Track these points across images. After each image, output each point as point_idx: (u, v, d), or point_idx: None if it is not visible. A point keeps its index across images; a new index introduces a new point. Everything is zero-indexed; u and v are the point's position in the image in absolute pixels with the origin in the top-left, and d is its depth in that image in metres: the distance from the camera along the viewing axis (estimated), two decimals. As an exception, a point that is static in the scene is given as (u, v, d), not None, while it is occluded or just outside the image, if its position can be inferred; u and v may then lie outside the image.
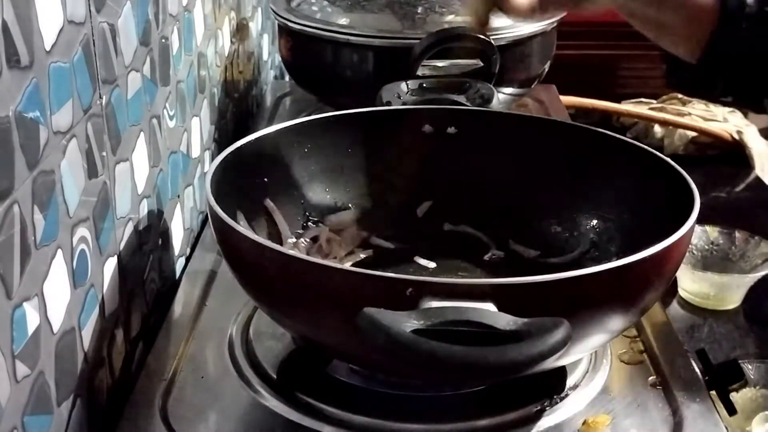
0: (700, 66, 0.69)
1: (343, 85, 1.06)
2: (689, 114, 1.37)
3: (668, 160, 0.71)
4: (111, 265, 0.65)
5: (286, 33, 1.11)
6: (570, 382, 0.66)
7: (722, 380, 0.71)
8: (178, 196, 0.84)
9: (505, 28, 1.04)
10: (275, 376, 0.66)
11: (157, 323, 0.75)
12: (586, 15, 0.66)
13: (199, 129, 0.93)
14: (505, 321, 0.50)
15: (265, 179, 0.77)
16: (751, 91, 0.72)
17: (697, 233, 1.00)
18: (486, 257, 0.79)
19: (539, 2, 0.63)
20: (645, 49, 1.66)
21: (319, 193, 0.81)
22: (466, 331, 0.50)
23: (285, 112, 1.23)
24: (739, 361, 0.75)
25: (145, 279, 0.74)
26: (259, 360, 0.68)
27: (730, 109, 1.40)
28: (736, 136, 1.33)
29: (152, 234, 0.76)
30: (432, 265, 0.78)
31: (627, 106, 1.42)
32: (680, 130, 1.36)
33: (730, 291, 0.96)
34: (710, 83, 0.72)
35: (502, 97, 1.02)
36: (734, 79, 0.71)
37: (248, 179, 0.75)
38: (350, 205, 0.82)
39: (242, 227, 0.60)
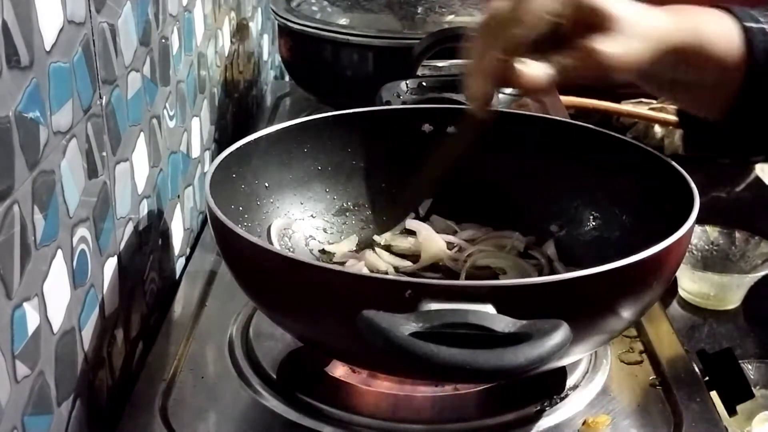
0: (725, 125, 0.65)
1: (343, 85, 1.06)
2: (689, 114, 1.37)
3: (668, 160, 0.70)
4: (111, 265, 0.65)
5: (286, 33, 1.11)
6: (570, 382, 0.66)
7: (718, 370, 0.71)
8: (178, 196, 0.84)
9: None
10: (275, 376, 0.66)
11: (157, 323, 0.75)
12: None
13: (199, 129, 0.93)
14: (504, 323, 0.50)
15: (265, 179, 0.77)
16: None
17: (697, 233, 1.00)
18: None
19: (559, 79, 0.59)
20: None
21: (319, 193, 0.81)
22: (465, 333, 0.50)
23: (285, 112, 1.23)
24: (740, 361, 0.75)
25: (145, 279, 0.74)
26: (259, 360, 0.68)
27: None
28: (737, 136, 1.33)
29: (152, 234, 0.76)
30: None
31: (627, 106, 1.41)
32: (680, 130, 1.36)
33: (730, 291, 0.96)
34: (738, 142, 0.68)
35: (502, 96, 1.02)
36: (764, 136, 0.66)
37: (248, 179, 0.75)
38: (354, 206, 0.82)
39: (241, 228, 0.60)
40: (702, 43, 0.61)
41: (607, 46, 0.58)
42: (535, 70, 0.58)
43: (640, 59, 0.59)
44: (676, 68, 0.62)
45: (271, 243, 0.74)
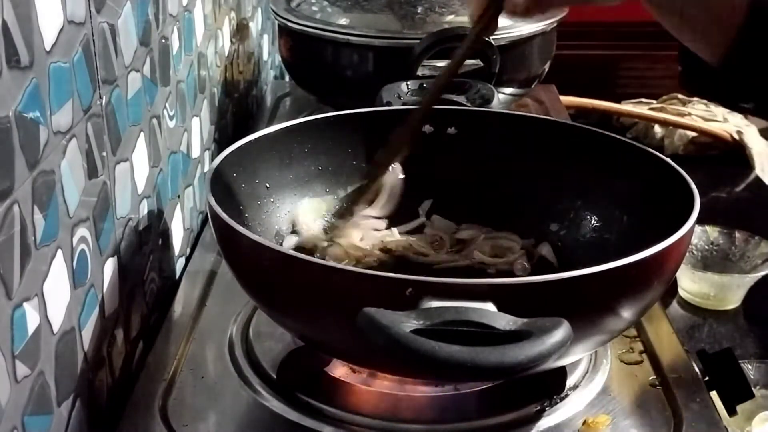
0: (721, 68, 0.65)
1: (343, 85, 1.06)
2: (689, 114, 1.37)
3: (668, 160, 0.71)
4: (111, 265, 0.65)
5: (286, 33, 1.11)
6: (570, 382, 0.66)
7: (718, 370, 0.71)
8: (178, 196, 0.84)
9: (505, 28, 1.04)
10: (275, 376, 0.66)
11: (157, 323, 0.75)
12: (592, 12, 0.63)
13: (199, 129, 0.93)
14: (505, 321, 0.50)
15: (266, 179, 0.77)
16: None
17: (697, 233, 1.00)
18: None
19: (538, 1, 0.62)
20: (645, 50, 1.68)
21: (319, 193, 0.81)
22: (466, 331, 0.50)
23: (285, 112, 1.23)
24: (740, 361, 0.75)
25: (145, 279, 0.74)
26: (259, 360, 0.68)
27: (730, 109, 1.40)
28: (736, 136, 1.33)
29: (152, 234, 0.76)
30: None
31: (627, 106, 1.42)
32: (680, 130, 1.36)
33: (730, 291, 0.97)
34: (731, 87, 0.68)
35: (502, 97, 1.02)
36: (758, 83, 0.66)
37: (248, 179, 0.75)
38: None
39: (242, 227, 0.60)
40: None
41: None
42: None
43: None
44: None
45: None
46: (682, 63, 0.70)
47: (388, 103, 0.88)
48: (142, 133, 0.72)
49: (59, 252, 0.55)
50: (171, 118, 0.81)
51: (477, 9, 0.68)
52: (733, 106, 0.71)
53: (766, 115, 0.75)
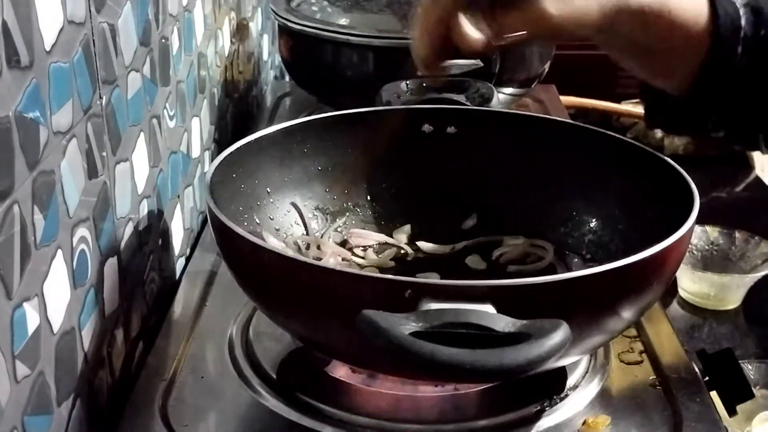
0: (688, 99, 0.62)
1: (343, 85, 1.06)
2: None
3: (668, 160, 0.70)
4: (111, 265, 0.65)
5: (286, 33, 1.11)
6: (570, 382, 0.66)
7: (718, 370, 0.71)
8: (178, 196, 0.84)
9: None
10: (275, 376, 0.66)
11: (157, 323, 0.75)
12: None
13: (199, 129, 0.93)
14: (504, 323, 0.50)
15: (265, 179, 0.77)
16: (744, 125, 0.66)
17: (697, 233, 1.00)
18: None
19: (494, 35, 0.57)
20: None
21: (319, 193, 0.81)
22: (465, 332, 0.50)
23: (285, 112, 1.23)
24: (740, 362, 0.75)
25: (145, 279, 0.74)
26: (259, 360, 0.68)
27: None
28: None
29: (152, 234, 0.76)
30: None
31: (627, 106, 1.42)
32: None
33: (730, 291, 0.97)
34: (700, 117, 0.65)
35: (502, 97, 1.02)
36: (727, 111, 0.64)
37: (248, 179, 0.75)
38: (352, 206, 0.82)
39: (242, 228, 0.60)
40: (667, 6, 0.58)
41: (550, 4, 0.56)
42: (472, 30, 0.57)
43: (588, 19, 0.57)
44: (637, 31, 0.59)
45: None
46: (644, 99, 0.68)
47: (388, 103, 0.88)
48: (142, 133, 0.72)
49: (59, 252, 0.55)
50: (171, 118, 0.81)
51: (426, 50, 0.61)
52: (703, 136, 0.70)
53: (737, 142, 0.73)
